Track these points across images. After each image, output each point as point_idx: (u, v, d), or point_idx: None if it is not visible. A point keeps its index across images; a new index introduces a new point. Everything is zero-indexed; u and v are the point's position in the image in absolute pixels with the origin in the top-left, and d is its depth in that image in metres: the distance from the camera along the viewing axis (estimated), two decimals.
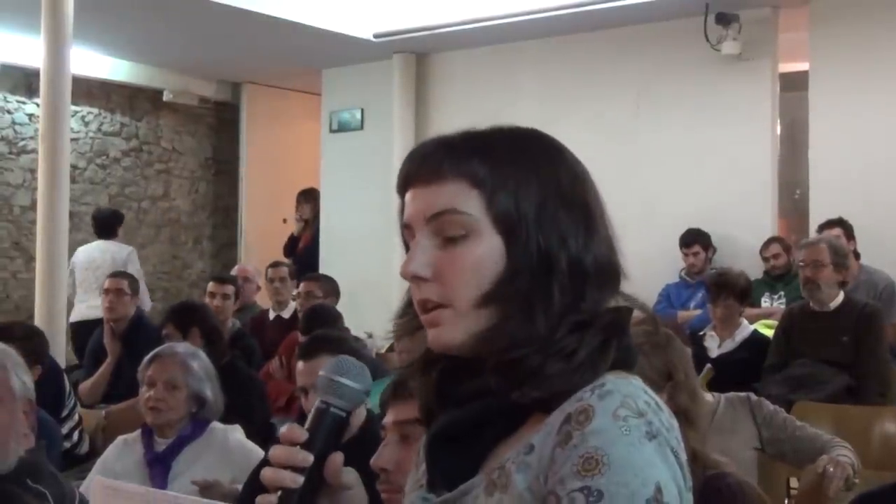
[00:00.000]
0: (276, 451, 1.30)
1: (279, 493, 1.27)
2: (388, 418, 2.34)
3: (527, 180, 1.26)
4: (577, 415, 1.18)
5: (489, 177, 1.26)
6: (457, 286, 1.25)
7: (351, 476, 1.35)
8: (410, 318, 1.35)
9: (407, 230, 1.32)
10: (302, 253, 10.28)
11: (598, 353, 1.23)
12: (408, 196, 1.32)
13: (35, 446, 2.68)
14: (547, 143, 1.33)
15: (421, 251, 1.28)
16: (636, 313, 1.34)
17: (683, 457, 1.21)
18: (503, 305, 1.24)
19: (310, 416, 1.33)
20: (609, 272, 1.29)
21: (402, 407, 2.19)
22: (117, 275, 6.92)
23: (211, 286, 7.38)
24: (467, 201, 1.26)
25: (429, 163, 1.30)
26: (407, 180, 1.32)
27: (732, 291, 5.99)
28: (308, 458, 1.28)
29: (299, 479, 1.27)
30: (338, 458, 1.31)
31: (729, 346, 5.98)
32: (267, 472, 1.28)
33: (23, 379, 2.62)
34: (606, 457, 1.13)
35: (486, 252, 1.25)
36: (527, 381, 1.22)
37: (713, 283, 6.19)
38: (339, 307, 6.50)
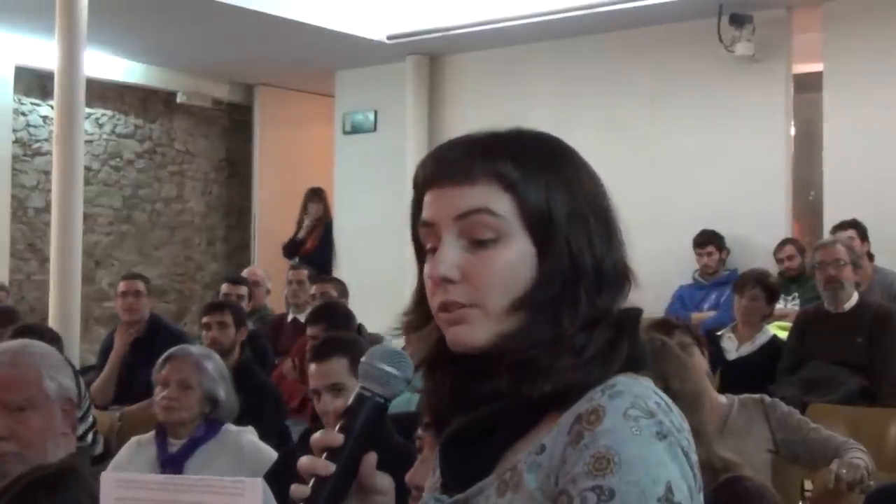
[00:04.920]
0: (315, 436, 1.30)
1: (313, 480, 1.26)
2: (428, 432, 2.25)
3: (557, 185, 1.26)
4: (587, 415, 1.18)
5: (521, 180, 1.25)
6: (487, 290, 1.25)
7: (385, 481, 1.34)
8: (419, 316, 1.34)
9: (427, 228, 1.30)
10: (311, 253, 10.27)
11: (607, 349, 1.24)
12: (431, 195, 1.30)
13: (77, 450, 2.69)
14: (566, 149, 1.33)
15: (448, 253, 1.26)
16: None
17: (694, 457, 1.21)
18: (532, 311, 1.24)
19: (349, 402, 1.32)
20: (624, 277, 1.30)
21: None
22: (132, 276, 6.93)
23: (224, 287, 7.39)
24: (499, 203, 1.25)
25: (459, 163, 1.27)
26: (432, 179, 1.30)
27: (760, 282, 5.98)
28: (341, 439, 1.28)
29: (331, 468, 1.26)
30: (371, 457, 1.31)
31: (747, 349, 5.96)
32: (304, 460, 1.28)
33: (58, 380, 2.63)
34: (618, 456, 1.14)
35: (517, 257, 1.25)
36: (537, 377, 1.22)
37: (741, 275, 6.20)
38: (351, 308, 6.50)
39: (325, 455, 1.28)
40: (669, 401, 1.24)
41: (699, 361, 3.77)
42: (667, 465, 1.15)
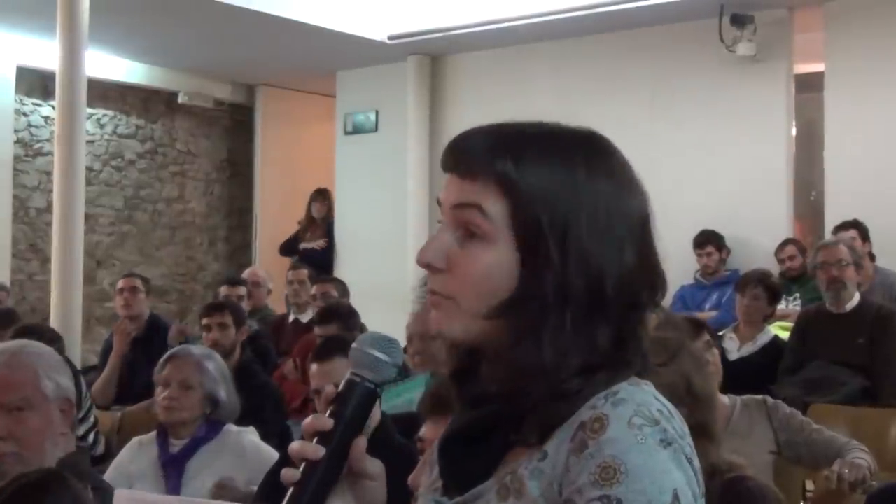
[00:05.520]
0: (306, 421, 1.30)
1: (303, 465, 1.27)
2: (428, 433, 2.26)
3: (562, 196, 1.22)
4: (591, 423, 1.17)
5: (520, 186, 1.22)
6: (463, 287, 1.24)
7: (376, 467, 1.34)
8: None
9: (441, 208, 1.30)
10: (313, 253, 10.30)
11: (603, 386, 1.21)
12: (446, 179, 1.29)
13: (76, 449, 2.70)
14: (596, 150, 1.29)
15: (439, 241, 1.26)
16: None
17: (697, 463, 1.21)
18: (508, 325, 1.22)
19: (340, 387, 1.33)
20: (634, 292, 1.26)
21: (444, 422, 2.11)
22: (130, 275, 6.99)
23: (223, 289, 7.40)
24: (493, 206, 1.22)
25: (466, 157, 1.26)
26: (446, 166, 1.30)
27: (762, 282, 5.99)
28: (331, 423, 1.28)
29: (321, 452, 1.26)
30: (361, 442, 1.31)
31: (749, 349, 5.96)
32: (294, 444, 1.29)
33: (56, 380, 2.64)
34: (624, 465, 1.13)
35: (498, 263, 1.23)
36: (528, 418, 1.21)
37: (743, 275, 6.22)
38: None
39: (315, 440, 1.28)
40: (671, 406, 1.23)
41: (717, 361, 3.80)
42: (672, 472, 1.15)
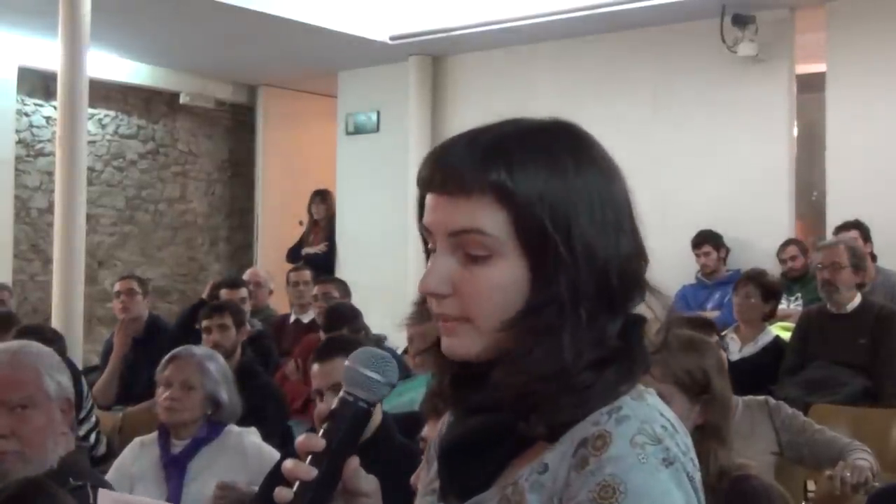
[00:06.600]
0: (299, 440, 1.29)
1: (296, 485, 1.26)
2: (431, 433, 2.24)
3: (558, 193, 1.20)
4: (593, 440, 1.16)
5: (517, 194, 1.19)
6: (478, 307, 1.22)
7: (371, 484, 1.34)
8: (426, 308, 1.32)
9: (428, 232, 1.26)
10: (315, 258, 10.29)
11: (613, 386, 1.21)
12: (430, 199, 1.25)
13: (76, 448, 2.71)
14: (577, 140, 1.27)
15: (440, 267, 1.23)
16: (654, 315, 1.31)
17: (698, 477, 1.20)
18: (528, 333, 1.20)
19: (333, 406, 1.32)
20: (634, 277, 1.25)
21: None
22: (126, 277, 7.03)
23: (224, 293, 7.38)
24: (493, 221, 1.20)
25: (454, 173, 1.22)
26: (430, 184, 1.25)
27: (753, 280, 5.99)
28: (323, 443, 1.27)
29: (314, 472, 1.26)
30: (354, 462, 1.30)
31: (750, 349, 5.95)
32: (287, 464, 1.27)
33: (57, 379, 2.65)
34: (623, 485, 1.13)
35: (510, 276, 1.21)
36: (536, 410, 1.20)
37: (741, 274, 6.24)
38: None
39: (308, 459, 1.27)
40: (675, 419, 1.22)
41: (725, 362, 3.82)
42: (672, 493, 1.14)
